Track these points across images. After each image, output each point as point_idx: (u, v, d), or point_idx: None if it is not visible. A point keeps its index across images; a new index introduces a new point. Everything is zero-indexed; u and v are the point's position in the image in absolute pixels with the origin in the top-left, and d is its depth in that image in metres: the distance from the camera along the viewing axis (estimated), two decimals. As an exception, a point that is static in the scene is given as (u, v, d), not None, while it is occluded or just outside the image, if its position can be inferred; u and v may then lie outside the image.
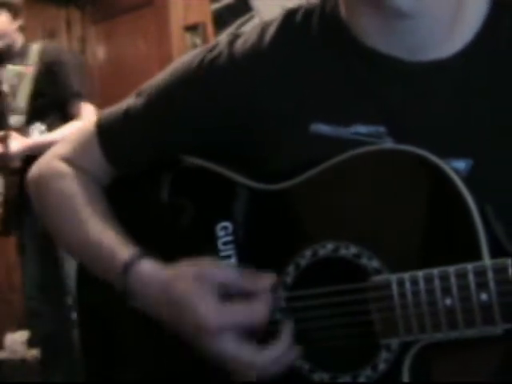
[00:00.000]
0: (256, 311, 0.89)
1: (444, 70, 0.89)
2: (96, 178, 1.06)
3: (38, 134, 2.98)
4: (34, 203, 1.10)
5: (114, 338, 1.08)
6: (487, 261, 0.79)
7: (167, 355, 1.01)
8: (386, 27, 0.88)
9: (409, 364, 0.84)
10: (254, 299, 0.89)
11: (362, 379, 0.87)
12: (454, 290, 0.80)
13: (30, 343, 3.87)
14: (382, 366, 0.86)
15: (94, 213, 1.02)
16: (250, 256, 0.96)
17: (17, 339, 3.98)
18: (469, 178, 0.84)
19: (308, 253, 0.90)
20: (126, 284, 0.95)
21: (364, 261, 0.86)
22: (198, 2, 3.99)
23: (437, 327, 0.81)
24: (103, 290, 1.01)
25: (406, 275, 0.83)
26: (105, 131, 1.04)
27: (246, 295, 0.90)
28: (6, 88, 3.02)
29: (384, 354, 0.86)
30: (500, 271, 0.78)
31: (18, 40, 3.07)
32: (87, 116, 2.89)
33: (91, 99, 3.01)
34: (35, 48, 3.03)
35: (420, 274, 0.82)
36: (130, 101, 1.04)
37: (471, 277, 0.79)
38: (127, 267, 0.95)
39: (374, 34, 0.90)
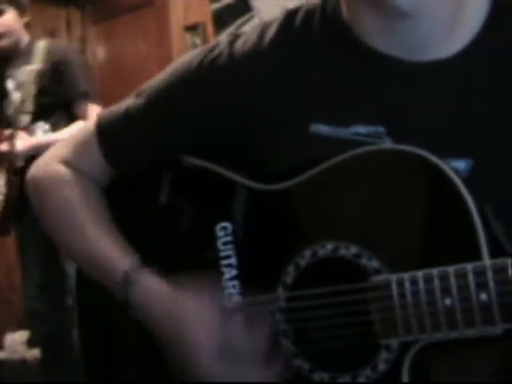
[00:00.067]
0: (254, 337, 0.91)
1: (444, 70, 0.89)
2: (95, 180, 1.05)
3: (42, 133, 2.95)
4: (33, 205, 1.10)
5: (114, 338, 1.08)
6: (487, 261, 0.79)
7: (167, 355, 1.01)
8: (387, 27, 0.88)
9: (409, 364, 0.84)
10: (252, 324, 0.91)
11: (361, 379, 0.87)
12: (454, 290, 0.80)
13: (30, 343, 3.87)
14: (381, 366, 0.86)
15: (92, 219, 1.02)
16: (250, 256, 0.96)
17: (17, 339, 3.98)
18: (469, 178, 0.84)
19: (308, 253, 0.90)
20: (127, 295, 0.96)
21: (364, 261, 0.86)
22: (198, 1, 3.99)
23: (436, 327, 0.81)
24: (103, 291, 1.01)
25: (406, 275, 0.83)
26: (104, 131, 1.04)
27: (244, 320, 0.91)
28: (13, 86, 3.00)
29: (384, 354, 0.86)
30: (500, 271, 0.78)
31: (25, 37, 3.05)
32: (94, 117, 2.84)
33: (97, 100, 2.98)
34: (41, 46, 3.00)
35: (420, 274, 0.82)
36: (129, 101, 1.04)
37: (471, 277, 0.79)
38: (127, 279, 0.95)
39: (374, 34, 0.90)
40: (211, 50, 0.99)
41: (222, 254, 0.97)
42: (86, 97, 2.97)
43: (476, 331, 0.80)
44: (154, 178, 1.04)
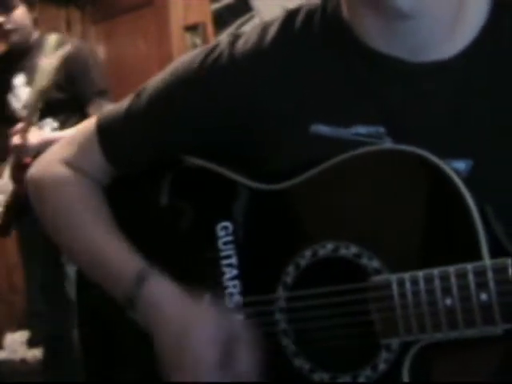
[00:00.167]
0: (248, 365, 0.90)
1: (445, 70, 0.89)
2: (96, 179, 1.05)
3: (50, 130, 2.90)
4: (33, 205, 1.09)
5: (114, 338, 1.08)
6: (487, 261, 0.79)
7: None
8: (387, 28, 0.88)
9: (409, 364, 0.84)
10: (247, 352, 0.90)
11: (361, 379, 0.87)
12: (454, 290, 0.80)
13: (30, 343, 3.87)
14: (382, 366, 0.86)
15: (94, 219, 1.02)
16: (250, 256, 0.96)
17: (17, 339, 3.98)
18: (469, 179, 0.84)
19: (308, 253, 0.90)
20: (135, 296, 0.95)
21: (364, 261, 0.86)
22: (198, 1, 3.98)
23: (437, 327, 0.81)
24: (103, 291, 1.01)
25: (407, 275, 0.83)
26: (105, 131, 1.04)
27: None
28: (23, 81, 2.97)
29: (384, 354, 0.86)
30: (500, 271, 0.78)
31: (34, 32, 3.03)
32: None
33: (111, 98, 2.88)
34: (52, 40, 2.95)
35: (420, 274, 0.82)
36: (130, 101, 1.04)
37: (471, 277, 0.79)
38: (139, 279, 0.95)
39: (375, 35, 0.90)
40: (211, 50, 0.99)
41: (223, 253, 0.97)
42: (104, 95, 2.89)
43: (476, 331, 0.80)
44: (155, 177, 1.04)
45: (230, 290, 0.96)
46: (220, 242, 0.97)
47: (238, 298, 0.96)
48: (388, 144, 0.89)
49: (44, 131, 2.89)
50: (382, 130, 0.89)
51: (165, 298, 0.94)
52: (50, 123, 2.91)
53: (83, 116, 2.85)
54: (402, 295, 0.83)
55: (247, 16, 3.76)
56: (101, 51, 4.60)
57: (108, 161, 1.04)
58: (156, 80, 1.02)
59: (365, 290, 0.86)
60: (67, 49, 2.89)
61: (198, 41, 3.97)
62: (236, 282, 0.96)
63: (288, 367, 0.91)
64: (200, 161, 1.00)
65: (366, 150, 0.88)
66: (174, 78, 1.00)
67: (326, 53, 0.94)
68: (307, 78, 0.94)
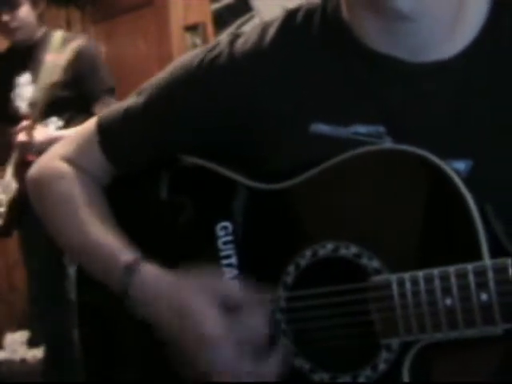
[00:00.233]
0: (255, 324, 0.90)
1: (445, 70, 0.89)
2: (96, 178, 1.06)
3: (54, 129, 2.85)
4: (32, 203, 1.10)
5: (114, 338, 1.08)
6: (487, 261, 0.79)
7: (167, 355, 1.00)
8: (388, 29, 0.88)
9: (409, 364, 0.84)
10: (253, 312, 0.90)
11: (361, 379, 0.87)
12: (454, 290, 0.80)
13: (30, 343, 3.87)
14: (382, 366, 0.86)
15: (93, 214, 1.02)
16: (250, 256, 0.96)
17: (17, 339, 3.98)
18: (468, 179, 0.84)
19: (308, 253, 0.90)
20: (127, 287, 0.95)
21: (364, 261, 0.86)
22: (198, 1, 3.98)
23: (437, 327, 0.81)
24: (103, 290, 1.01)
25: (407, 275, 0.83)
26: (105, 130, 1.04)
27: (245, 308, 0.90)
28: (29, 78, 2.94)
29: (384, 354, 0.86)
30: (500, 271, 0.78)
31: (39, 29, 3.01)
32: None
33: (117, 97, 2.83)
34: (57, 37, 2.93)
35: (420, 274, 0.82)
36: (130, 100, 1.04)
37: (471, 277, 0.79)
38: (129, 270, 0.95)
39: (375, 36, 0.90)
40: (211, 50, 0.99)
41: (223, 253, 0.97)
42: (112, 93, 2.86)
43: (476, 331, 0.80)
44: (155, 177, 1.04)
45: (230, 289, 0.96)
46: (220, 242, 0.97)
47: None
48: (388, 144, 0.89)
49: (49, 129, 2.85)
50: (381, 129, 0.89)
51: (153, 289, 0.94)
52: (54, 122, 2.88)
53: (88, 115, 2.82)
54: (402, 295, 0.83)
55: (247, 16, 3.76)
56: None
57: (108, 160, 1.04)
58: (156, 80, 1.02)
59: (365, 290, 0.86)
60: (77, 46, 2.85)
61: (198, 41, 3.97)
62: (236, 282, 0.96)
63: (288, 367, 0.91)
64: (200, 160, 1.00)
65: (366, 149, 0.88)
66: (173, 78, 1.00)
67: (326, 53, 0.94)
68: (307, 78, 0.94)
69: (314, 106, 0.93)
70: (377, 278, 0.85)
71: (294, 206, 0.95)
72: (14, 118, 2.89)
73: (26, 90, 2.92)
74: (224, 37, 1.01)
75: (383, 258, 0.85)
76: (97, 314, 1.09)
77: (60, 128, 2.87)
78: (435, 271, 0.81)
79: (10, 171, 2.91)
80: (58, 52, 2.87)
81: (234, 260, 0.96)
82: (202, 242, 0.99)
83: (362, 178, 0.89)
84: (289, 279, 0.92)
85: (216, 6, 3.90)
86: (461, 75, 0.88)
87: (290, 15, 0.97)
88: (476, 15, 0.89)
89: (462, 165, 0.87)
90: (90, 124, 1.07)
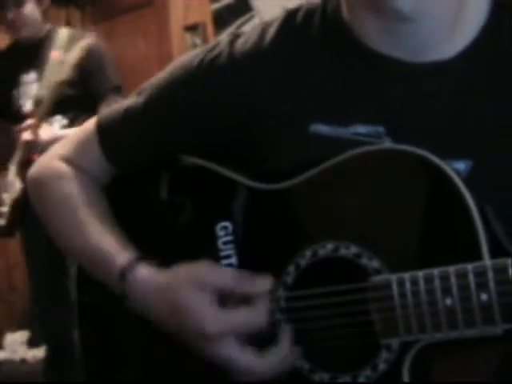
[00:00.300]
0: (255, 315, 0.89)
1: (445, 70, 0.89)
2: (95, 178, 1.06)
3: (59, 127, 2.81)
4: (32, 203, 1.10)
5: (114, 338, 1.08)
6: (487, 261, 0.79)
7: (167, 355, 1.01)
8: (388, 29, 0.88)
9: (409, 364, 0.84)
10: (253, 303, 0.90)
11: (361, 379, 0.87)
12: (454, 290, 0.80)
13: (30, 343, 3.87)
14: (382, 366, 0.86)
15: (92, 215, 1.02)
16: (250, 256, 0.96)
17: (17, 339, 3.98)
18: (469, 179, 0.84)
19: (308, 253, 0.90)
20: (125, 289, 0.96)
21: (364, 261, 0.86)
22: (198, 1, 3.98)
23: (437, 327, 0.81)
24: (103, 290, 1.01)
25: (406, 275, 0.83)
26: (105, 130, 1.04)
27: (244, 299, 0.90)
28: (34, 76, 2.92)
29: (384, 354, 0.86)
30: (500, 271, 0.78)
31: (44, 26, 2.99)
32: None
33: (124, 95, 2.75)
34: (63, 34, 2.91)
35: (420, 274, 0.82)
36: (130, 100, 1.04)
37: (471, 277, 0.79)
38: (124, 272, 0.96)
39: (375, 36, 0.90)
40: (211, 50, 0.99)
41: (223, 253, 0.97)
42: (119, 92, 2.83)
43: (476, 331, 0.80)
44: (154, 177, 1.04)
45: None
46: (220, 242, 0.97)
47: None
48: (388, 144, 0.89)
49: (54, 128, 2.81)
50: (381, 129, 0.89)
51: (150, 290, 0.94)
52: (59, 120, 2.84)
53: (93, 114, 2.78)
54: (402, 295, 0.83)
55: (247, 16, 3.76)
56: (101, 51, 4.59)
57: (108, 160, 1.04)
58: (156, 80, 1.02)
59: (365, 290, 0.86)
60: (86, 44, 2.83)
61: (198, 41, 3.97)
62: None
63: (287, 370, 0.91)
64: (200, 160, 1.00)
65: (366, 149, 0.88)
66: (173, 78, 1.00)
67: (326, 53, 0.94)
68: (307, 78, 0.94)
69: (313, 106, 0.93)
70: (377, 278, 0.85)
71: (293, 206, 0.95)
72: (17, 116, 2.85)
73: (30, 88, 2.89)
74: (224, 37, 1.01)
75: (383, 258, 0.85)
76: (97, 313, 1.09)
77: (64, 127, 2.84)
78: (435, 271, 0.81)
79: (13, 170, 2.88)
80: (64, 49, 2.84)
81: (233, 260, 0.96)
82: (202, 242, 0.99)
83: (362, 178, 0.89)
84: (289, 279, 0.92)
85: (216, 5, 3.90)
86: (461, 75, 0.88)
87: (290, 15, 0.97)
88: (476, 15, 0.89)
89: (462, 165, 0.87)
90: (90, 124, 1.07)
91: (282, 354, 0.90)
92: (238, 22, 3.79)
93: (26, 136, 2.76)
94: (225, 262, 0.97)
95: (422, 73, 0.89)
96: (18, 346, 3.94)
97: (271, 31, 0.97)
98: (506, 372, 0.83)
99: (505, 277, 0.78)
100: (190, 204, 1.02)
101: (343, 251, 0.88)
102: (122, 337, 1.07)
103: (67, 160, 1.06)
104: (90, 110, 2.73)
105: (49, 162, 1.08)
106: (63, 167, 1.06)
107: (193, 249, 1.00)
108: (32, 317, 3.38)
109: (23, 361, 3.83)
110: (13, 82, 2.92)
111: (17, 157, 2.85)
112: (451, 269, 0.80)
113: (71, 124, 2.82)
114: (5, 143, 2.90)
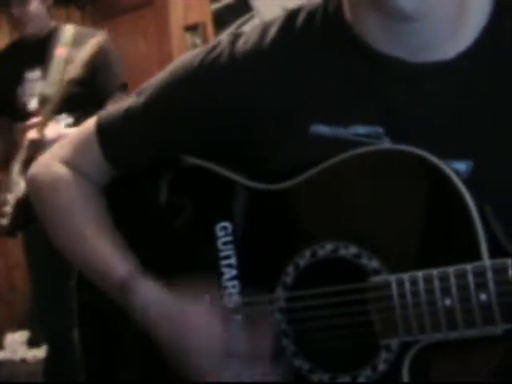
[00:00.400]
0: (259, 339, 0.91)
1: (447, 70, 0.88)
2: (94, 180, 1.05)
3: (64, 126, 2.75)
4: (33, 204, 1.10)
5: (114, 338, 1.08)
6: (487, 261, 0.79)
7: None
8: (390, 29, 0.88)
9: (408, 364, 0.84)
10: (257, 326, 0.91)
11: (361, 379, 0.87)
12: (454, 290, 0.80)
13: (30, 343, 3.87)
14: (381, 367, 0.86)
15: (91, 220, 1.02)
16: (250, 256, 0.96)
17: (17, 339, 3.98)
18: (469, 179, 0.84)
19: (307, 253, 0.90)
20: (125, 300, 0.96)
21: (364, 261, 0.86)
22: (198, 1, 3.98)
23: (436, 327, 0.81)
24: (103, 290, 1.01)
25: (406, 275, 0.83)
26: (104, 130, 1.04)
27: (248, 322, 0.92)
28: (39, 74, 2.89)
29: (384, 355, 0.86)
30: (500, 272, 0.78)
31: (49, 22, 2.97)
32: None
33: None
34: (69, 31, 2.87)
35: (419, 274, 0.82)
36: (130, 100, 1.04)
37: (470, 277, 0.79)
38: (124, 286, 0.96)
39: (377, 36, 0.90)
40: (212, 50, 0.99)
41: (222, 254, 0.97)
42: (125, 89, 2.80)
43: (476, 331, 0.80)
44: (154, 177, 1.04)
45: (230, 290, 0.96)
46: (219, 242, 0.97)
47: (237, 299, 0.96)
48: (387, 144, 0.89)
49: (60, 127, 2.75)
50: (380, 130, 0.89)
51: (150, 306, 0.95)
52: (64, 119, 2.78)
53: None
54: (402, 295, 0.83)
55: (247, 16, 3.76)
56: (101, 51, 4.59)
57: (107, 161, 1.04)
58: (156, 80, 1.02)
59: (364, 291, 0.86)
60: (97, 42, 2.78)
61: (198, 41, 3.97)
62: (235, 283, 0.96)
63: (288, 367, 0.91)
64: (199, 160, 1.00)
65: (365, 149, 0.88)
66: (174, 78, 1.00)
67: (327, 52, 0.94)
68: (307, 78, 0.94)
69: (314, 106, 0.93)
70: (376, 279, 0.85)
71: (293, 206, 0.95)
72: (22, 113, 2.81)
73: (35, 86, 2.87)
74: (224, 37, 1.01)
75: (382, 259, 0.85)
76: (97, 314, 1.09)
77: (70, 125, 2.81)
78: (434, 271, 0.81)
79: (16, 169, 2.86)
80: (71, 47, 2.83)
81: (233, 260, 0.96)
82: (201, 242, 0.99)
83: (362, 178, 0.89)
84: (288, 279, 0.92)
85: (216, 6, 3.90)
86: (463, 76, 0.88)
87: (291, 15, 0.97)
88: (478, 16, 0.89)
89: (462, 165, 0.87)
90: (90, 124, 1.07)
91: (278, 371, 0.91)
92: (238, 21, 3.79)
93: (32, 134, 2.73)
94: (224, 262, 0.97)
95: (425, 73, 0.89)
96: (18, 346, 3.94)
97: (272, 31, 0.97)
98: (506, 372, 0.83)
99: (504, 277, 0.78)
100: (189, 204, 1.02)
101: (342, 251, 0.88)
102: (122, 337, 1.06)
103: (67, 162, 1.06)
104: (96, 109, 2.70)
105: (48, 163, 1.08)
106: (63, 170, 1.05)
107: (192, 249, 1.00)
108: (32, 317, 3.38)
109: (23, 361, 3.83)
110: (17, 79, 2.89)
111: (21, 155, 2.82)
112: (450, 269, 0.80)
113: (77, 122, 2.79)
114: (9, 141, 2.88)
